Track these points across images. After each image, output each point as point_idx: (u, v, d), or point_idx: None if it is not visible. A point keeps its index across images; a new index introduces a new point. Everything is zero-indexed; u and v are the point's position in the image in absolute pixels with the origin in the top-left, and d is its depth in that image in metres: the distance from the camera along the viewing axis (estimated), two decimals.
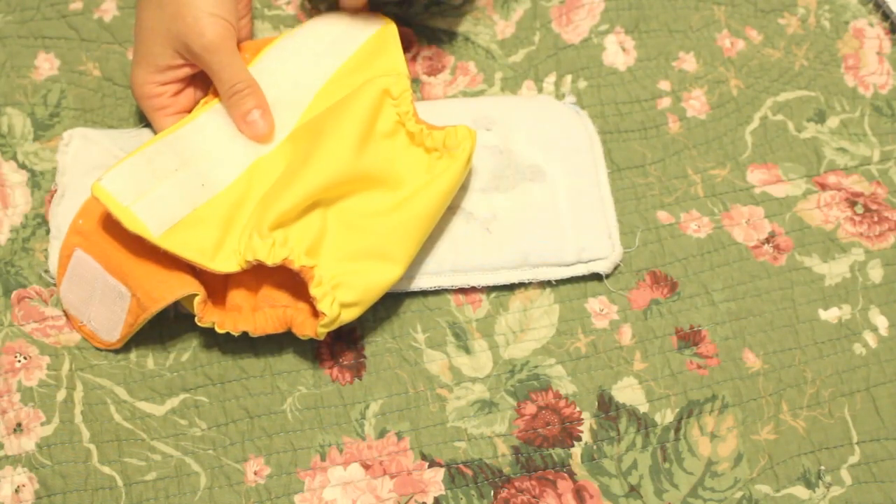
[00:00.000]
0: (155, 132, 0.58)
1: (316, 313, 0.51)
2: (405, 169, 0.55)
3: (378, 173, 0.54)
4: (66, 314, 0.55)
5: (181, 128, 0.53)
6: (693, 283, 0.58)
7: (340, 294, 0.50)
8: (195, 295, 0.50)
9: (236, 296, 0.53)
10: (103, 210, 0.52)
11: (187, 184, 0.52)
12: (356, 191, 0.54)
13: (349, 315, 0.51)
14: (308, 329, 0.51)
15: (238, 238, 0.51)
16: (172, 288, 0.50)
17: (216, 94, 0.56)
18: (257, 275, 0.53)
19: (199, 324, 0.51)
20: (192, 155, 0.53)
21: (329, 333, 0.55)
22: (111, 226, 0.52)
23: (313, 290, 0.50)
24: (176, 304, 0.55)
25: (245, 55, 0.57)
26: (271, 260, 0.50)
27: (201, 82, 0.58)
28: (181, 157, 0.52)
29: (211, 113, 0.55)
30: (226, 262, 0.51)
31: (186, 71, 0.56)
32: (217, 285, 0.53)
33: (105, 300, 0.52)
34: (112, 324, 0.53)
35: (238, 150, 0.55)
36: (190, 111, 0.57)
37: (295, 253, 0.50)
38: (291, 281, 0.53)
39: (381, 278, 0.52)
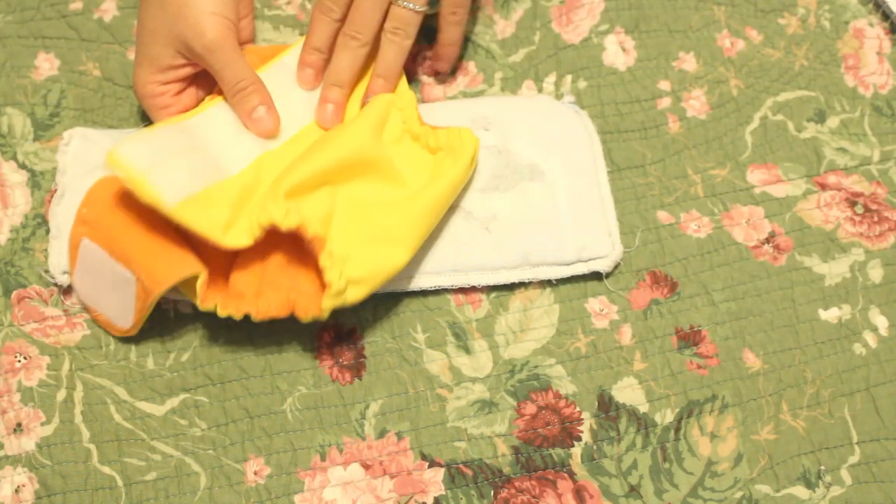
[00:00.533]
0: None
1: (317, 295, 0.51)
2: (411, 169, 0.56)
3: (386, 168, 0.54)
4: (82, 304, 0.55)
5: (190, 118, 0.54)
6: (693, 283, 0.58)
7: (348, 269, 0.50)
8: (196, 280, 0.50)
9: (238, 282, 0.53)
10: (106, 197, 0.52)
11: (199, 163, 0.52)
12: (365, 178, 0.54)
13: (354, 294, 0.51)
14: (312, 308, 0.51)
15: (248, 218, 0.51)
16: (174, 269, 0.50)
17: (220, 92, 0.56)
18: (261, 260, 0.53)
19: (200, 307, 0.51)
20: (202, 141, 0.53)
21: (329, 333, 0.55)
22: (114, 212, 0.52)
23: (323, 261, 0.50)
24: (176, 304, 0.55)
25: (250, 59, 0.57)
26: (286, 224, 0.50)
27: (204, 81, 0.58)
28: (192, 141, 0.53)
29: (217, 108, 0.55)
30: (236, 239, 0.51)
31: (188, 70, 0.56)
32: (219, 272, 0.53)
33: (115, 287, 0.52)
34: (124, 310, 0.53)
35: (245, 144, 0.55)
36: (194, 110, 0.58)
37: (309, 220, 0.50)
38: (295, 264, 0.53)
39: (388, 261, 0.52)
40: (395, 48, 0.57)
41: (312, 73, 0.58)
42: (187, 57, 0.55)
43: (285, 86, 0.58)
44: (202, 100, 0.58)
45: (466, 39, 0.65)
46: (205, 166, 0.52)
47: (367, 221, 0.53)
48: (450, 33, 0.60)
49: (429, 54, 0.64)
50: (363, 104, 0.58)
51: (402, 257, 0.52)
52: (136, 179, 0.49)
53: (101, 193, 0.53)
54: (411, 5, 0.56)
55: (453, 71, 0.64)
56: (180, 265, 0.50)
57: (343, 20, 0.57)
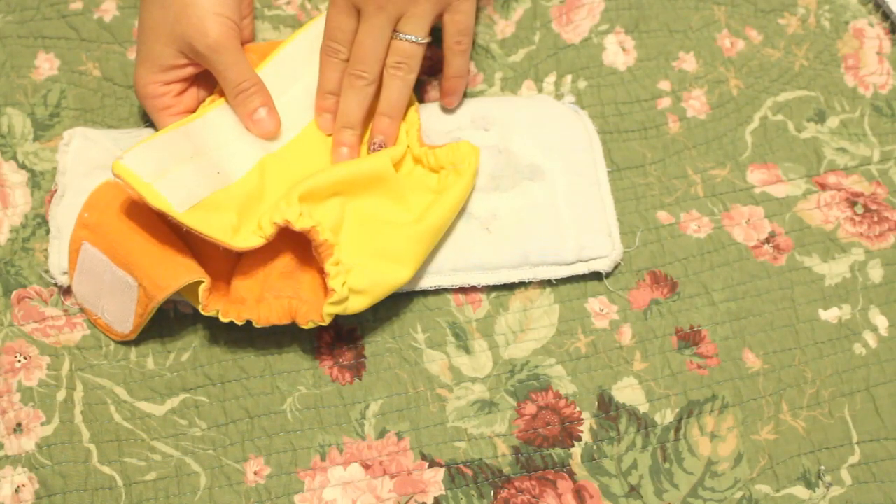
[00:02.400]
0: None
1: (319, 303, 0.51)
2: (414, 191, 0.56)
3: (395, 188, 0.55)
4: (81, 308, 0.55)
5: (191, 122, 0.54)
6: (693, 283, 0.58)
7: (351, 278, 0.51)
8: (198, 285, 0.50)
9: (240, 288, 0.53)
10: (108, 202, 0.52)
11: (203, 169, 0.52)
12: (375, 194, 0.54)
13: (356, 304, 0.51)
14: (314, 314, 0.51)
15: (260, 218, 0.51)
16: (177, 275, 0.50)
17: (221, 93, 0.56)
18: (263, 267, 0.53)
19: (203, 312, 0.51)
20: (204, 146, 0.53)
21: (329, 333, 0.55)
22: (116, 217, 0.52)
23: (328, 266, 0.50)
24: (176, 304, 0.55)
25: (251, 56, 0.57)
26: (300, 224, 0.50)
27: (205, 82, 0.58)
28: (195, 146, 0.53)
29: (219, 110, 0.55)
30: (246, 240, 0.51)
31: (190, 70, 0.56)
32: (221, 278, 0.53)
33: (115, 291, 0.52)
34: (124, 315, 0.53)
35: (247, 146, 0.55)
36: (194, 111, 0.58)
37: (322, 225, 0.50)
38: (297, 272, 0.53)
39: (391, 277, 0.52)
40: (399, 83, 0.56)
41: (331, 118, 0.57)
42: (189, 57, 0.55)
43: (284, 84, 0.58)
44: (203, 100, 0.58)
45: None
46: (209, 172, 0.52)
47: (374, 237, 0.53)
48: (456, 65, 0.59)
49: (428, 53, 0.64)
50: (369, 144, 0.57)
51: (405, 275, 0.53)
52: (144, 187, 0.49)
53: (103, 198, 0.53)
54: (413, 37, 0.55)
55: None
56: (183, 271, 0.50)
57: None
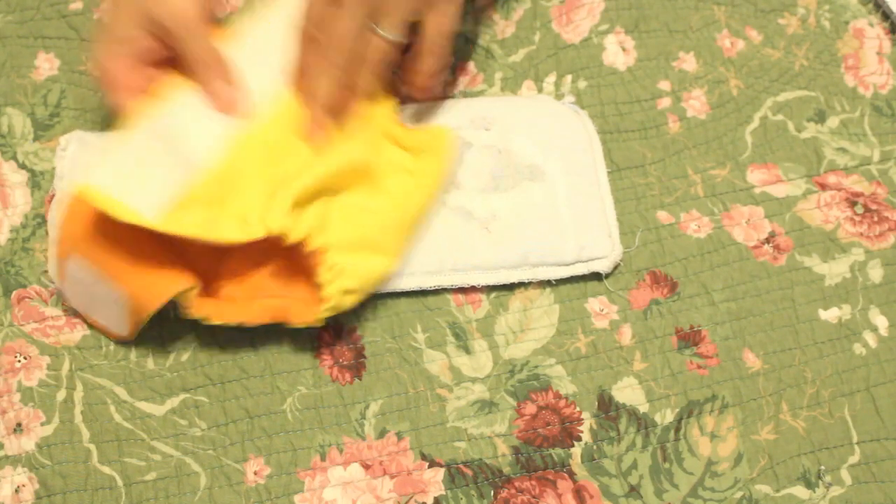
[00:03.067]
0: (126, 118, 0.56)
1: (310, 301, 0.51)
2: (393, 174, 0.56)
3: (373, 175, 0.55)
4: (78, 311, 0.55)
5: (155, 110, 0.52)
6: (693, 283, 0.58)
7: (343, 281, 0.51)
8: (189, 290, 0.50)
9: (231, 289, 0.53)
10: (88, 213, 0.51)
11: (173, 167, 0.51)
12: (356, 186, 0.54)
13: (349, 302, 0.52)
14: (306, 316, 0.51)
15: (235, 215, 0.50)
16: (167, 285, 0.50)
17: (185, 72, 0.54)
18: (253, 267, 0.53)
19: (194, 316, 0.51)
20: (171, 136, 0.52)
21: (329, 333, 0.55)
22: (99, 230, 0.51)
23: (322, 275, 0.50)
24: (176, 305, 0.55)
25: (219, 35, 0.56)
26: (294, 237, 0.50)
27: (167, 62, 0.57)
28: (161, 139, 0.51)
29: (183, 91, 0.53)
30: (229, 233, 0.50)
31: (154, 48, 0.54)
32: (209, 277, 0.53)
33: (106, 302, 0.52)
34: (119, 321, 0.53)
35: (215, 125, 0.53)
36: (155, 95, 0.56)
37: (312, 235, 0.50)
38: (287, 271, 0.53)
39: (378, 270, 0.53)
40: (369, 76, 0.55)
41: (304, 101, 0.55)
42: (154, 33, 0.53)
43: (253, 62, 0.55)
44: (166, 80, 0.56)
45: (466, 40, 0.65)
46: (179, 168, 0.51)
47: (357, 230, 0.53)
48: (427, 63, 0.57)
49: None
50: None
51: (391, 265, 0.53)
52: (114, 205, 0.48)
53: (85, 209, 0.51)
54: (388, 34, 0.54)
55: (453, 70, 0.64)
56: (173, 281, 0.50)
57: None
